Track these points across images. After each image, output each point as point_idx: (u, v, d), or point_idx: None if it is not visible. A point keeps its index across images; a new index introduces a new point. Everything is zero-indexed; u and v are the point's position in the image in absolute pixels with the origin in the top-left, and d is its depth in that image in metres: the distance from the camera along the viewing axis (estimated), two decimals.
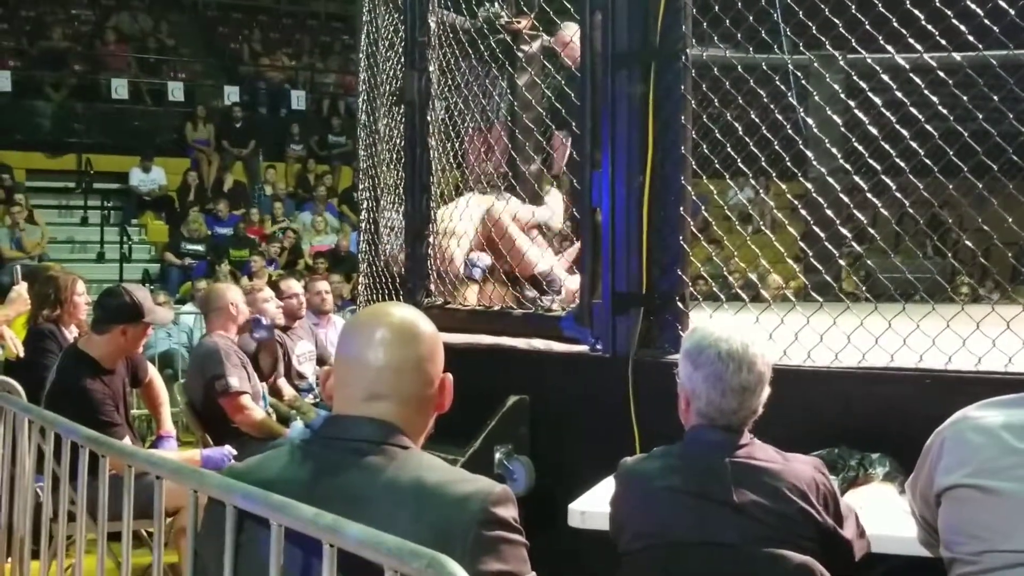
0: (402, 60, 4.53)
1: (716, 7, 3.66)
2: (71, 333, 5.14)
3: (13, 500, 3.31)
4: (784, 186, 4.66)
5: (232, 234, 14.29)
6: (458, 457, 3.61)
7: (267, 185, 15.91)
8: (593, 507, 2.81)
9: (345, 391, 1.70)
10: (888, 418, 3.03)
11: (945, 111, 3.62)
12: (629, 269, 3.51)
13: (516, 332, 3.94)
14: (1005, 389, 2.29)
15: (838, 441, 3.01)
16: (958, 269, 7.69)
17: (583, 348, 3.65)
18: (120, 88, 16.28)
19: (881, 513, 2.68)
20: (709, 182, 3.97)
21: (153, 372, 4.74)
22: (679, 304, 3.47)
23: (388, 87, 4.82)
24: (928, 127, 3.57)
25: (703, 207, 5.78)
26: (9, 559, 3.42)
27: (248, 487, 1.55)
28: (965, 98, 3.61)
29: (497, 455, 3.63)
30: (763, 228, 5.30)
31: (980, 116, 3.86)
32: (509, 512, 1.59)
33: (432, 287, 4.34)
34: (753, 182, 5.49)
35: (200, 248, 13.81)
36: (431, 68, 4.36)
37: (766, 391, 2.44)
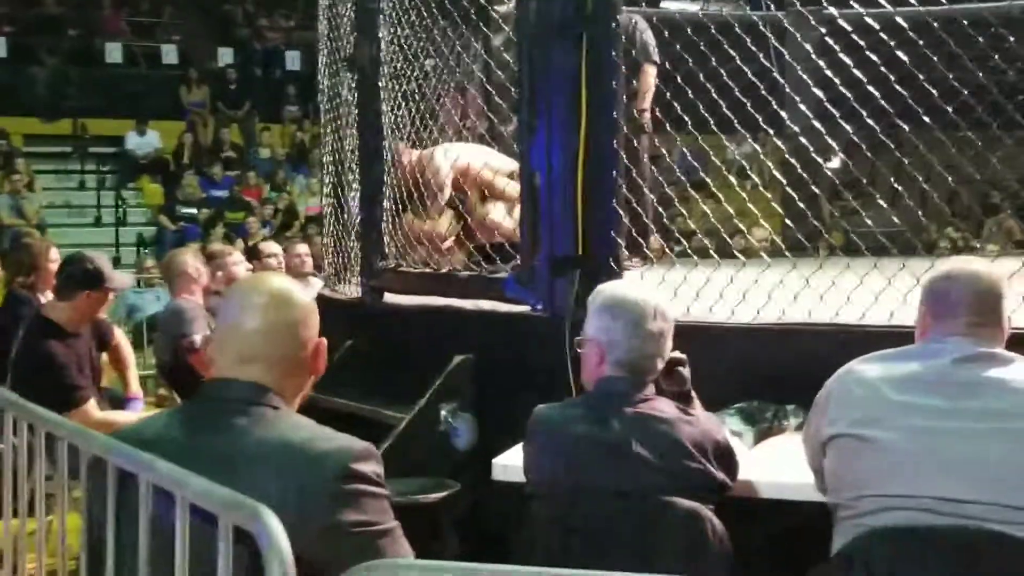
0: (354, 25, 4.61)
1: None
2: (47, 299, 5.26)
3: None
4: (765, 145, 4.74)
5: (228, 197, 14.41)
6: (405, 415, 3.75)
7: (262, 148, 15.99)
8: (515, 461, 2.93)
9: (221, 355, 1.83)
10: (804, 372, 3.14)
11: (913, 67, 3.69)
12: (566, 232, 3.61)
13: (463, 294, 4.06)
14: (905, 341, 2.40)
15: (758, 395, 3.13)
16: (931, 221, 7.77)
17: (525, 309, 3.76)
18: (114, 52, 16.35)
19: (788, 461, 2.80)
20: (705, 140, 4.07)
21: (120, 336, 4.88)
22: (613, 265, 3.57)
23: (346, 51, 4.90)
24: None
25: (704, 163, 5.84)
26: None
27: (124, 446, 1.67)
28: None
29: (443, 412, 3.76)
30: (758, 185, 5.34)
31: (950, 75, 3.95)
32: (370, 467, 1.71)
33: (385, 250, 4.45)
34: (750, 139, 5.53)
35: (194, 211, 13.92)
36: (382, 34, 4.44)
37: (671, 340, 2.57)
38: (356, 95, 4.61)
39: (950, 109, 3.59)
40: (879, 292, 3.08)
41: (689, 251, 3.91)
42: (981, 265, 2.34)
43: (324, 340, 1.91)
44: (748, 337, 3.25)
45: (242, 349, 1.80)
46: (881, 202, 3.94)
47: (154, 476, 1.53)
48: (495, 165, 4.85)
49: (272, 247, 6.53)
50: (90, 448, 1.76)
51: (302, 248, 7.09)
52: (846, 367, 2.36)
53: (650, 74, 5.63)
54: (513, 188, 4.67)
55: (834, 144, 4.34)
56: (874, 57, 3.72)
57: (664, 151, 5.41)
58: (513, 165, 4.83)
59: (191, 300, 4.91)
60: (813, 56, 4.09)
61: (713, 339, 3.26)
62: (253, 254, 6.34)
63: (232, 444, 1.70)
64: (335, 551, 1.58)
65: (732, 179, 4.45)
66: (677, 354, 2.67)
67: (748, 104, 3.93)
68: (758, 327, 3.24)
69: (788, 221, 4.09)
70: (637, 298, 2.56)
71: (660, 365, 2.58)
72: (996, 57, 4.59)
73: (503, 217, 4.73)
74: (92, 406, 4.16)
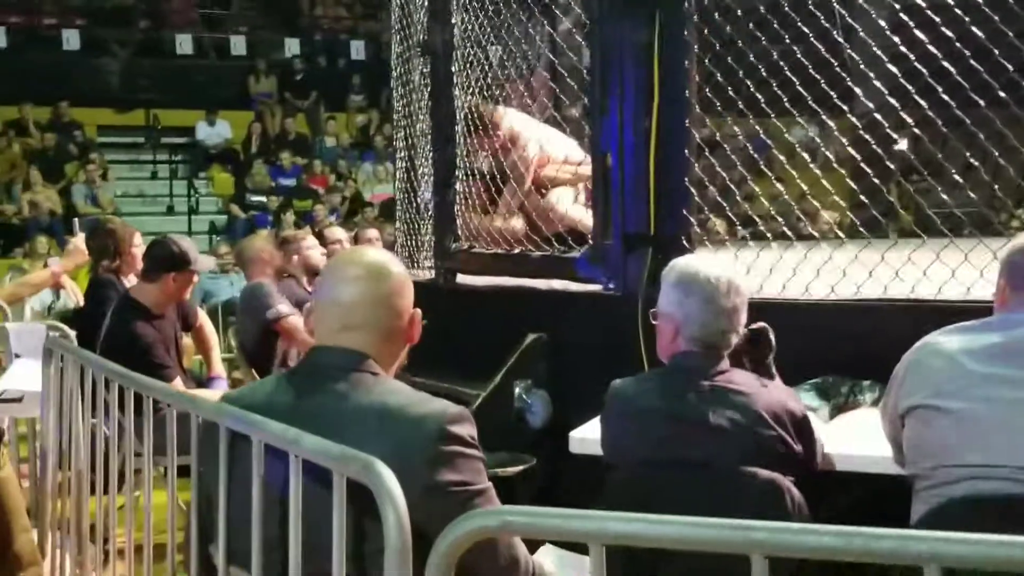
0: (427, 11, 4.68)
1: None
2: (130, 283, 5.43)
3: (63, 439, 3.58)
4: (833, 123, 4.72)
5: (295, 185, 14.63)
6: (480, 392, 3.82)
7: (328, 136, 16.19)
8: (591, 434, 2.99)
9: (322, 325, 1.91)
10: (880, 347, 3.15)
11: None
12: (638, 211, 3.66)
13: (536, 274, 4.12)
14: (982, 315, 2.42)
15: (834, 371, 3.16)
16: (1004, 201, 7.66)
17: (597, 287, 3.81)
18: (184, 43, 16.65)
19: (864, 434, 2.83)
20: (779, 120, 4.08)
21: (203, 317, 5.02)
22: (685, 243, 3.61)
23: (419, 37, 4.98)
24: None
25: (770, 145, 5.83)
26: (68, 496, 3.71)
27: (235, 409, 1.77)
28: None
29: (517, 390, 3.83)
30: (831, 164, 5.29)
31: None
32: (465, 430, 1.79)
33: (459, 232, 4.52)
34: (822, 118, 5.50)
35: (264, 199, 14.15)
36: (455, 20, 4.51)
37: (745, 314, 2.61)
38: (429, 81, 4.69)
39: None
40: (956, 267, 3.08)
41: (763, 229, 3.92)
42: None
43: (419, 310, 1.98)
44: (823, 313, 3.26)
45: (343, 319, 1.89)
46: (957, 177, 3.92)
47: (267, 436, 1.61)
48: (573, 156, 4.85)
49: (337, 232, 6.66)
50: (201, 413, 1.86)
51: (372, 233, 7.21)
52: (925, 339, 2.38)
53: None
54: (574, 173, 4.71)
55: (909, 120, 4.31)
56: (948, 32, 3.69)
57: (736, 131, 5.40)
58: (576, 150, 4.87)
59: (266, 280, 5.04)
60: (887, 32, 4.07)
61: (788, 315, 3.28)
62: (320, 240, 6.47)
63: (334, 408, 1.78)
64: (435, 509, 1.65)
65: (803, 158, 4.44)
66: (761, 324, 2.70)
67: (820, 81, 3.93)
68: (833, 303, 3.26)
69: (862, 197, 4.07)
70: (710, 274, 2.57)
71: (735, 340, 2.61)
72: None
73: (568, 206, 4.73)
74: (179, 384, 4.29)
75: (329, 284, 1.94)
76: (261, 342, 4.91)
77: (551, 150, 4.78)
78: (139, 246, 5.52)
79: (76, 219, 5.92)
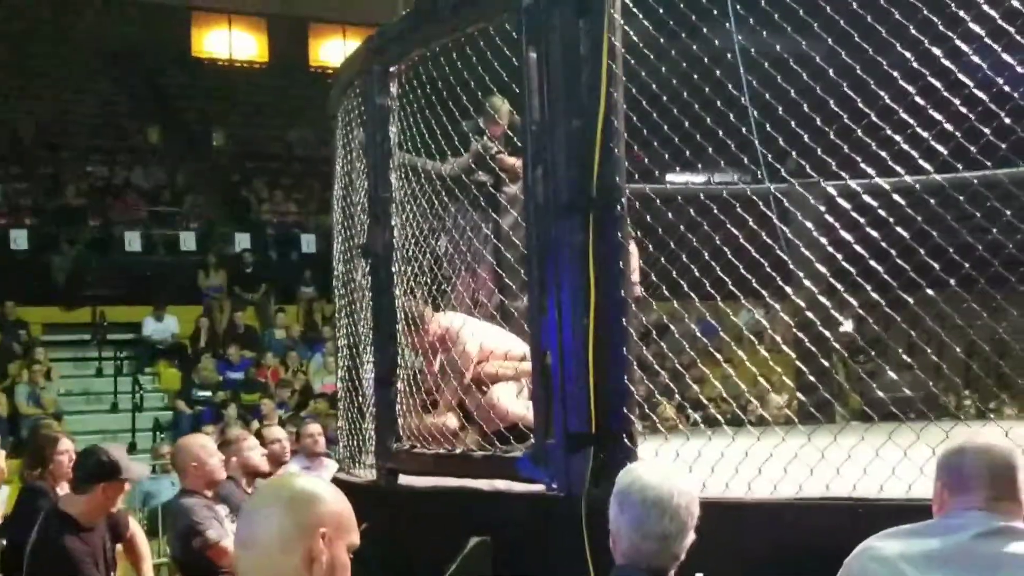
0: (367, 213, 4.75)
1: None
2: (63, 490, 5.25)
3: None
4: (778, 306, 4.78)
5: (244, 379, 14.49)
6: None
7: (278, 329, 16.16)
8: None
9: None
10: (823, 548, 3.10)
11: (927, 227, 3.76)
12: (579, 410, 3.63)
13: (478, 474, 4.04)
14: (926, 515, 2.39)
15: (776, 573, 3.08)
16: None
17: (540, 488, 3.74)
18: (133, 240, 16.75)
19: None
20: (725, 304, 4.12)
21: (135, 527, 4.84)
22: (627, 442, 3.57)
23: (360, 239, 5.03)
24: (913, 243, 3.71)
25: (719, 328, 5.89)
26: None
27: None
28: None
29: None
30: (779, 346, 5.32)
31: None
32: None
33: (400, 431, 4.46)
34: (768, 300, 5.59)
35: (210, 395, 13.98)
36: (395, 221, 4.57)
37: (689, 538, 2.51)
38: (370, 280, 4.71)
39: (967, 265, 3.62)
40: (897, 463, 3.06)
41: (700, 422, 3.91)
42: (993, 437, 2.35)
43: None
44: (765, 513, 3.21)
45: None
46: (905, 357, 3.96)
47: None
48: (514, 350, 4.83)
49: (275, 432, 6.66)
50: None
51: (314, 428, 7.19)
52: (864, 544, 2.35)
53: (634, 254, 5.71)
54: (516, 368, 4.67)
55: (845, 310, 4.39)
56: (885, 215, 3.79)
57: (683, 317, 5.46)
58: (518, 344, 4.86)
59: (193, 494, 4.84)
60: (814, 232, 4.19)
61: (730, 515, 3.23)
62: (259, 440, 6.35)
63: None
64: None
65: (741, 352, 4.48)
66: None
67: (754, 277, 4.00)
68: (776, 502, 3.21)
69: (799, 394, 4.10)
70: (646, 496, 2.48)
71: (675, 561, 2.49)
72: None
73: (511, 401, 4.67)
74: None
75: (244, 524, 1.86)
76: (190, 560, 4.72)
77: (492, 345, 4.77)
78: (63, 452, 5.36)
79: None
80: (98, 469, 4.26)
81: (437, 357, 4.59)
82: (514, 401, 4.65)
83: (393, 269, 4.54)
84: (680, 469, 2.90)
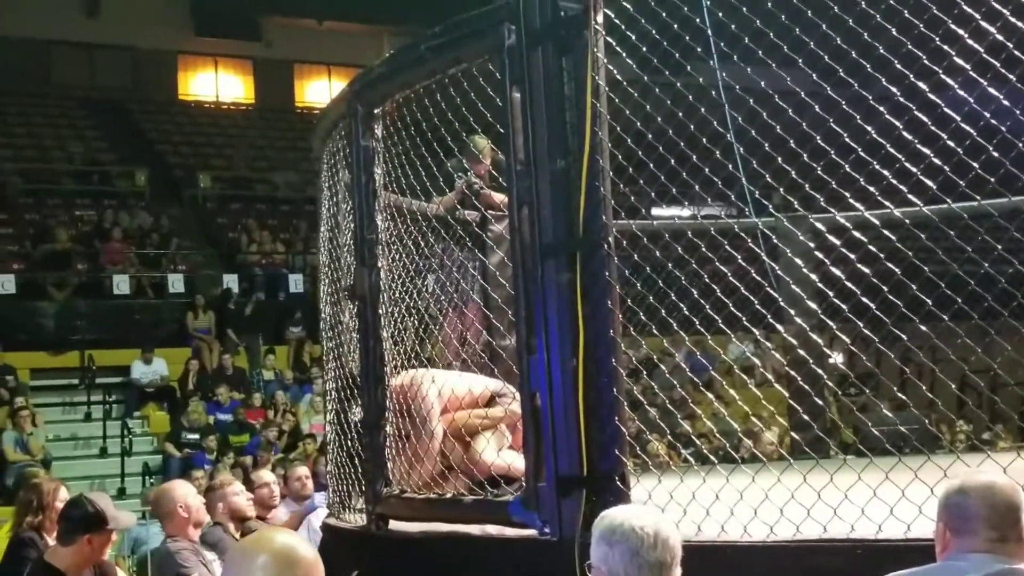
0: (353, 255, 4.71)
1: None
2: (53, 541, 5.16)
3: None
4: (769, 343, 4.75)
5: (232, 420, 14.38)
6: None
7: (267, 370, 16.07)
8: None
9: None
10: None
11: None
12: (570, 452, 3.58)
13: (470, 519, 3.98)
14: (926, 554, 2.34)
15: None
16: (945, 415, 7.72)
17: (532, 532, 3.68)
18: (121, 284, 16.68)
19: None
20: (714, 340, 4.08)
21: None
22: (619, 484, 3.52)
23: (346, 281, 4.98)
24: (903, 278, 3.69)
25: (711, 365, 5.86)
26: None
27: None
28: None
29: None
30: (770, 380, 5.27)
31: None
32: None
33: (390, 475, 4.39)
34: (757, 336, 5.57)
35: (199, 437, 13.85)
36: (381, 263, 4.52)
37: (679, 571, 2.48)
38: (357, 322, 4.66)
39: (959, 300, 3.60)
40: (894, 504, 3.01)
41: (705, 451, 3.86)
42: (994, 474, 2.31)
43: None
44: (762, 555, 3.16)
45: None
46: (886, 405, 3.92)
47: None
48: (476, 389, 4.72)
49: (264, 476, 6.60)
50: None
51: (302, 470, 7.14)
52: None
53: None
54: (485, 416, 4.57)
55: (835, 344, 4.36)
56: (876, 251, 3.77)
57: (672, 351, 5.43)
58: (478, 383, 4.77)
59: (179, 540, 4.79)
60: (803, 267, 4.16)
61: (726, 558, 3.18)
62: (246, 484, 6.29)
63: None
64: None
65: (731, 390, 4.43)
66: None
67: (745, 312, 3.98)
68: (773, 544, 3.15)
69: (804, 416, 4.05)
70: (635, 525, 2.46)
71: None
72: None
73: (492, 456, 4.53)
74: None
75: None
76: None
77: (451, 388, 4.61)
78: (63, 500, 5.28)
79: None
80: (84, 520, 4.18)
81: (403, 412, 4.48)
82: (495, 456, 4.50)
83: (380, 311, 4.49)
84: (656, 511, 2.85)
